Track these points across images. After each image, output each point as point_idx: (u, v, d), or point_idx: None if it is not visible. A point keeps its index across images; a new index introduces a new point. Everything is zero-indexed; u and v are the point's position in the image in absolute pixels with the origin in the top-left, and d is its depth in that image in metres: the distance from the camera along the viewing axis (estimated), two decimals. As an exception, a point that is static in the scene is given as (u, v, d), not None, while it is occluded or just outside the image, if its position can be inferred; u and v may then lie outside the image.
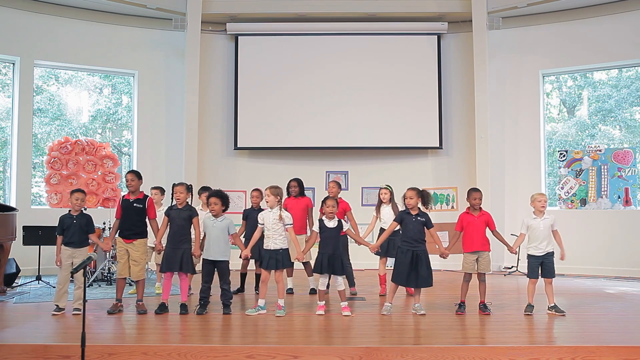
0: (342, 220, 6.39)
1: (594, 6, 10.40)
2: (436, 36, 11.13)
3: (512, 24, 10.86)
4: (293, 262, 7.16)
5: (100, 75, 12.22)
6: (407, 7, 10.92)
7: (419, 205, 6.32)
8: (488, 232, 6.44)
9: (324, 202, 6.40)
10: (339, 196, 7.61)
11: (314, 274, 6.46)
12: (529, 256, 6.36)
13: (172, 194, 6.48)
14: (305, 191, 7.91)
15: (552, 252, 6.29)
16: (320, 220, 6.34)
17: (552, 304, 6.24)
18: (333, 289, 6.45)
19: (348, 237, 6.75)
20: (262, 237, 6.45)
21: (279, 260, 6.24)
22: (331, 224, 6.28)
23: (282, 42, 11.19)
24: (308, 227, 7.57)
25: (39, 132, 12.04)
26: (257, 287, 7.33)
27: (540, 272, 6.29)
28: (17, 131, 10.11)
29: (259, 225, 6.40)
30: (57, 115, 12.45)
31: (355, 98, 11.02)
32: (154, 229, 6.42)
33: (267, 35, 11.17)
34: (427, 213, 6.39)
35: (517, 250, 6.40)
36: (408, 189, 6.41)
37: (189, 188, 6.48)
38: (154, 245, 6.57)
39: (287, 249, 6.33)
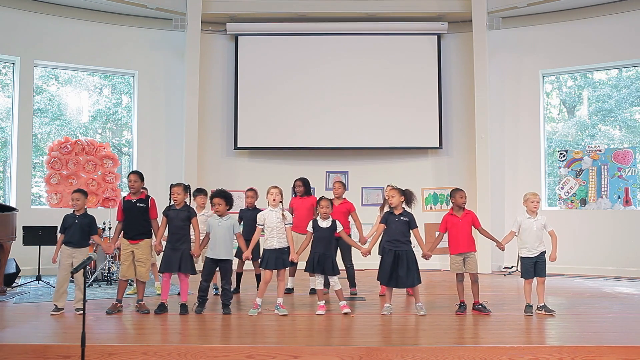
0: (337, 222, 6.36)
1: (594, 6, 10.39)
2: (436, 36, 11.12)
3: (512, 24, 10.86)
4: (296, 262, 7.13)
5: (100, 75, 12.22)
6: (407, 7, 10.91)
7: (403, 205, 6.29)
8: (474, 232, 6.43)
9: (318, 202, 6.36)
10: (343, 196, 7.62)
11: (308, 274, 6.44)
12: (522, 258, 6.37)
13: (170, 195, 6.49)
14: (311, 190, 7.91)
15: (545, 252, 6.31)
16: (314, 221, 6.34)
17: (542, 304, 6.25)
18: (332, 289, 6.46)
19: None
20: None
21: (285, 260, 6.26)
22: (324, 224, 6.28)
23: (282, 42, 11.19)
24: None
25: (39, 132, 12.04)
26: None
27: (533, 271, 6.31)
28: (17, 131, 10.11)
29: (258, 226, 6.39)
30: (57, 115, 12.45)
31: (355, 98, 11.01)
32: (155, 229, 6.44)
33: (267, 35, 11.16)
34: (412, 213, 6.36)
35: (503, 247, 6.39)
36: (390, 188, 6.38)
37: (186, 188, 6.50)
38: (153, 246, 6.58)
39: (288, 247, 6.33)
